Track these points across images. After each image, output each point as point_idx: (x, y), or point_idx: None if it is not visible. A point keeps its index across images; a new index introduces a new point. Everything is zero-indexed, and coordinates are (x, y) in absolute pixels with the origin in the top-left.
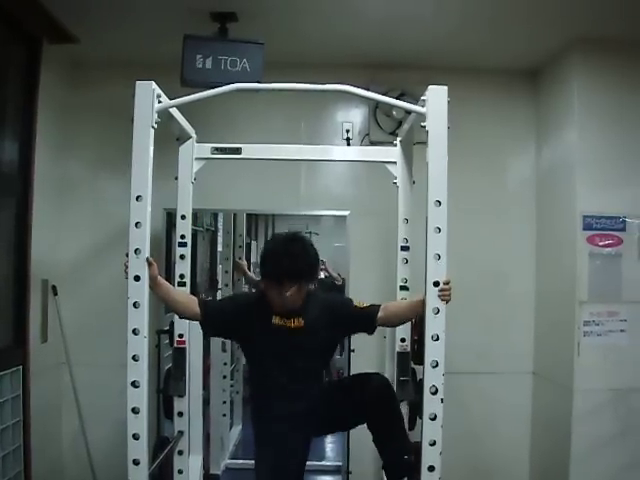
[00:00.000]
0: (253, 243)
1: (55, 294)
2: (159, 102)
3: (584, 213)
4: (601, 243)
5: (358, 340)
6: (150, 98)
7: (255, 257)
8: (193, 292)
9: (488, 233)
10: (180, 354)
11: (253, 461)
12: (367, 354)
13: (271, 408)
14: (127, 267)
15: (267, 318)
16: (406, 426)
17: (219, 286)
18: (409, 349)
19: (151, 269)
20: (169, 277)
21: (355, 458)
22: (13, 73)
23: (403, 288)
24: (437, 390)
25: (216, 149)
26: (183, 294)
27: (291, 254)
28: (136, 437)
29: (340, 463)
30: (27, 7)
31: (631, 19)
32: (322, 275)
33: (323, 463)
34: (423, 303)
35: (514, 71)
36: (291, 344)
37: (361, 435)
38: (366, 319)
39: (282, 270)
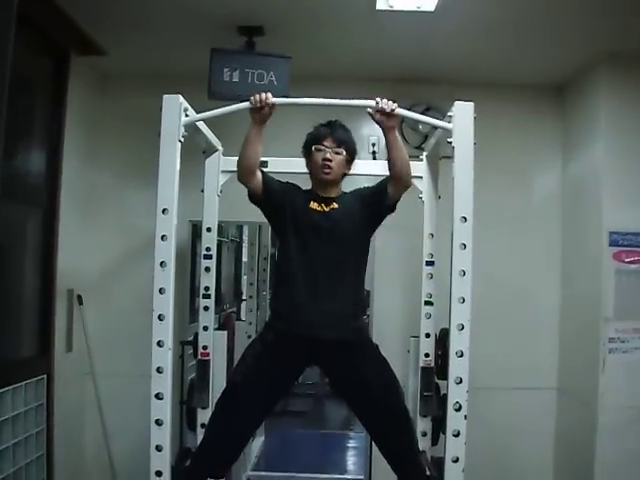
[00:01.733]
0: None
1: (80, 304)
2: (186, 116)
3: (610, 229)
4: (627, 260)
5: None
6: (177, 112)
7: None
8: (217, 304)
9: (513, 248)
10: (204, 366)
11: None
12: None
13: (294, 305)
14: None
15: (306, 203)
16: (429, 442)
17: (243, 297)
18: (433, 364)
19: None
20: (194, 289)
21: (378, 471)
22: (42, 85)
23: (428, 303)
24: (461, 407)
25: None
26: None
27: (334, 124)
28: (159, 449)
29: (362, 477)
30: (56, 20)
31: None
32: None
33: (344, 476)
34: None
35: (540, 86)
36: (326, 226)
37: None
38: (382, 181)
39: (328, 129)
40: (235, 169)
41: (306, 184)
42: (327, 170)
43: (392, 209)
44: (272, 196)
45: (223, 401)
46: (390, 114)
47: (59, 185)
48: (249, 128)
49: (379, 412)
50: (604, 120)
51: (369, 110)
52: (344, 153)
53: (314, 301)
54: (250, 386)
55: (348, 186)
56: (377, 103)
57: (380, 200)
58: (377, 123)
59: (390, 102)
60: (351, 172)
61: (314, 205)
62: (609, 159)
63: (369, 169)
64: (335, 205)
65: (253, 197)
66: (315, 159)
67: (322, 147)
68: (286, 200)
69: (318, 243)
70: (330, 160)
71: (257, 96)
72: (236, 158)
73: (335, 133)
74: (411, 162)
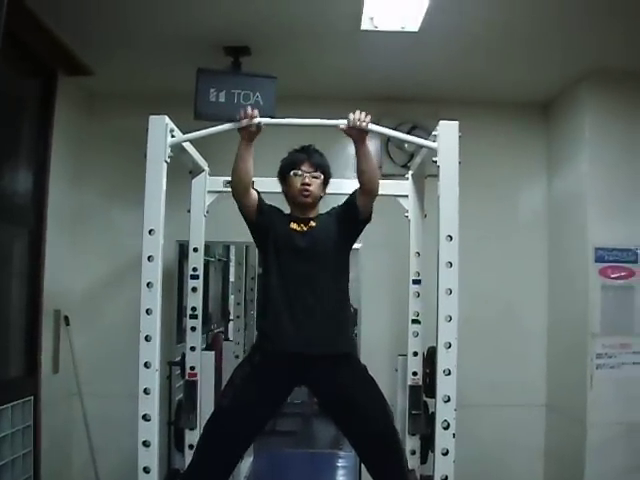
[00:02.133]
0: None
1: (67, 324)
2: (172, 136)
3: (596, 245)
4: (613, 275)
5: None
6: (163, 133)
7: None
8: (205, 324)
9: (500, 265)
10: (192, 387)
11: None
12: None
13: (279, 324)
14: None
15: (286, 224)
16: (418, 460)
17: (231, 317)
18: (421, 382)
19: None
20: (181, 309)
21: None
22: (29, 104)
23: (415, 321)
24: (449, 425)
25: (229, 182)
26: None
27: (310, 149)
28: (147, 470)
29: None
30: (43, 40)
31: None
32: None
33: None
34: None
35: (524, 103)
36: (305, 245)
37: None
38: (350, 196)
39: (304, 154)
40: (221, 189)
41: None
42: (306, 193)
43: (367, 220)
44: (264, 218)
45: (212, 424)
46: (362, 129)
47: (46, 205)
48: (239, 146)
49: (368, 432)
50: (588, 136)
51: (342, 126)
52: (321, 177)
53: (298, 319)
54: (239, 408)
55: (334, 204)
56: (350, 119)
57: (354, 215)
58: (349, 135)
59: (363, 115)
60: (338, 191)
61: (294, 226)
62: (594, 175)
63: (355, 188)
64: (313, 224)
65: (246, 215)
66: (293, 184)
67: (300, 172)
68: (270, 222)
69: (299, 262)
70: (309, 184)
71: (243, 111)
72: (222, 178)
73: (312, 158)
74: (397, 181)
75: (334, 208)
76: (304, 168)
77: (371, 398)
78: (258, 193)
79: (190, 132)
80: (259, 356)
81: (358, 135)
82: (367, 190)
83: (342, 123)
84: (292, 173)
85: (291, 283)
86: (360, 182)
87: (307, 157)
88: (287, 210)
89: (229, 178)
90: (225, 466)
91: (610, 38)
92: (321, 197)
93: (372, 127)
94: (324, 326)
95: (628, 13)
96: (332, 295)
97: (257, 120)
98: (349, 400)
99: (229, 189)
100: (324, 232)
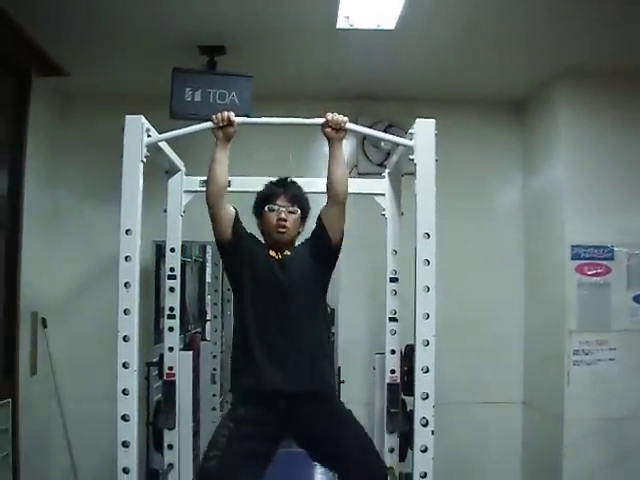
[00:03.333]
0: None
1: (45, 326)
2: (148, 136)
3: (572, 243)
4: (590, 272)
5: (347, 371)
6: (139, 133)
7: None
8: (182, 324)
9: (477, 263)
10: (170, 387)
11: None
12: (357, 385)
13: (256, 360)
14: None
15: (264, 251)
16: (397, 458)
17: (208, 317)
18: (399, 380)
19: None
20: (158, 309)
21: None
22: (3, 105)
23: (392, 319)
24: (428, 422)
25: (205, 181)
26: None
27: (286, 182)
28: (126, 471)
29: None
30: (16, 40)
31: (616, 51)
32: None
33: None
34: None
35: (500, 101)
36: (282, 278)
37: None
38: (316, 223)
39: (281, 187)
40: (198, 189)
41: None
42: (282, 230)
43: (338, 247)
44: (240, 241)
45: None
46: (340, 129)
47: (21, 206)
48: (214, 148)
49: (356, 469)
50: (564, 134)
51: (320, 123)
52: (298, 212)
53: (277, 356)
54: (229, 469)
55: (312, 204)
56: (327, 120)
57: (324, 242)
58: (325, 135)
59: (340, 117)
60: (315, 189)
61: (272, 253)
62: (570, 173)
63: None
64: (289, 252)
65: (219, 234)
66: (269, 219)
67: (275, 207)
68: (249, 246)
69: (277, 298)
70: (285, 220)
71: (219, 115)
72: (199, 178)
73: (288, 191)
74: (373, 180)
75: (306, 238)
76: (280, 202)
77: (355, 436)
78: (236, 212)
79: (166, 132)
80: (242, 409)
81: (335, 135)
82: (334, 195)
83: (319, 122)
84: (267, 208)
85: (267, 318)
86: (328, 184)
87: (283, 190)
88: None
89: (205, 177)
90: None
91: (583, 37)
92: (299, 233)
93: (349, 125)
94: (303, 361)
95: (601, 13)
96: (309, 328)
97: (234, 119)
98: (335, 440)
99: (205, 189)
100: (300, 256)
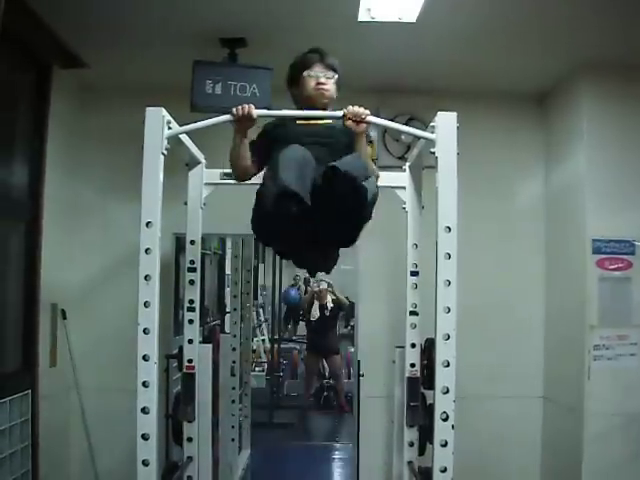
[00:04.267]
0: (261, 266)
1: (64, 318)
2: (169, 128)
3: (593, 237)
4: (611, 267)
5: (367, 365)
6: (160, 125)
7: (263, 280)
8: (202, 317)
9: (498, 257)
10: (189, 379)
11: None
12: (376, 379)
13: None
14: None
15: (293, 124)
16: (416, 452)
17: (227, 309)
18: (419, 374)
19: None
20: (177, 302)
21: None
22: (24, 98)
23: (413, 313)
24: (448, 417)
25: (225, 174)
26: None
27: (321, 50)
28: (145, 463)
29: None
30: (38, 33)
31: (637, 43)
32: (329, 298)
33: None
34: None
35: (522, 95)
36: (313, 132)
37: None
38: None
39: (317, 55)
40: (218, 182)
41: None
42: (323, 92)
43: None
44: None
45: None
46: (361, 121)
47: (42, 198)
48: (233, 138)
49: None
50: (586, 128)
51: (342, 116)
52: (335, 77)
53: None
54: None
55: None
56: (348, 112)
57: None
58: (347, 127)
59: (361, 109)
60: None
61: (300, 122)
62: (591, 167)
63: None
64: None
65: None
66: (308, 85)
67: (313, 72)
68: (274, 139)
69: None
70: (325, 83)
71: (239, 108)
72: (219, 170)
73: (325, 59)
74: (394, 173)
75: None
76: (317, 69)
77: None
78: (260, 139)
79: (187, 124)
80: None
81: (356, 127)
82: None
83: (339, 114)
84: (306, 74)
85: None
86: None
87: (320, 58)
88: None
89: (226, 170)
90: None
91: (606, 30)
92: (334, 100)
93: (370, 118)
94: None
95: (625, 5)
96: None
97: (254, 113)
98: None
99: (226, 181)
100: (335, 131)
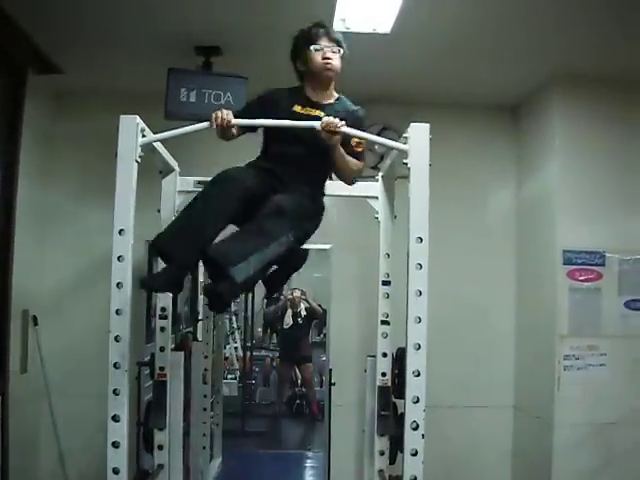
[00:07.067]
0: None
1: (35, 324)
2: (143, 136)
3: (564, 248)
4: (581, 278)
5: (339, 373)
6: (134, 132)
7: None
8: (174, 324)
9: (469, 267)
10: (161, 387)
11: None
12: (348, 387)
13: None
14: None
15: (288, 107)
16: (387, 461)
17: (199, 317)
18: (390, 383)
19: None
20: (149, 308)
21: None
22: None
23: (384, 323)
24: (418, 426)
25: (199, 182)
26: None
27: (324, 23)
28: (116, 471)
29: None
30: (13, 38)
31: (609, 56)
32: (302, 306)
33: None
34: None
35: (495, 106)
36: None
37: None
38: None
39: (322, 28)
40: (192, 189)
41: None
42: (330, 66)
43: None
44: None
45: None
46: (335, 132)
47: (14, 204)
48: None
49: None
50: (558, 140)
51: (317, 127)
52: (340, 51)
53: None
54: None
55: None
56: (324, 123)
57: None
58: (322, 137)
59: (336, 120)
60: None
61: (297, 109)
62: (563, 178)
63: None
64: (321, 113)
65: None
66: (315, 59)
67: (319, 46)
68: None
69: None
70: (331, 58)
71: (218, 113)
72: (193, 178)
73: (330, 33)
74: (367, 183)
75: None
76: (323, 43)
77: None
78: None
79: (161, 132)
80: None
81: (330, 139)
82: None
83: (315, 124)
84: (312, 48)
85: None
86: (342, 180)
87: (325, 32)
88: None
89: (200, 178)
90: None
91: (578, 42)
92: (338, 75)
93: (344, 129)
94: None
95: (597, 18)
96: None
97: (231, 119)
98: None
99: (199, 189)
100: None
